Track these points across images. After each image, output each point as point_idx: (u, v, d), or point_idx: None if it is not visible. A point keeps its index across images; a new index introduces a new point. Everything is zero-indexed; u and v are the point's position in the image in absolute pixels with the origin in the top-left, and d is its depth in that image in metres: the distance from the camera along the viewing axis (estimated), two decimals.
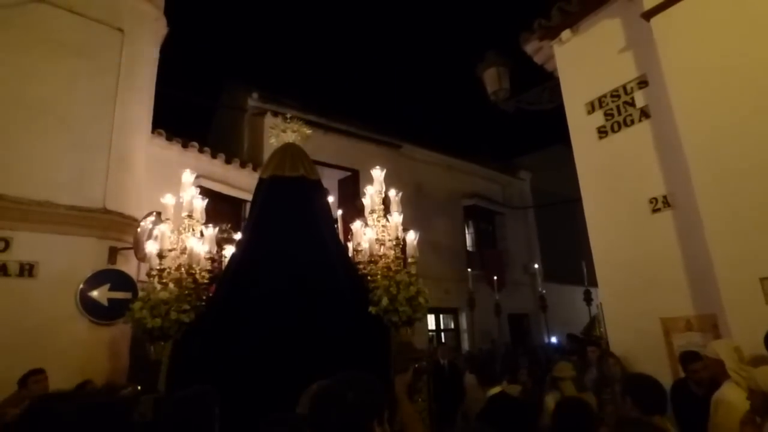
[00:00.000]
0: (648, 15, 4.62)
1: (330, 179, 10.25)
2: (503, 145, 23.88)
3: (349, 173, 11.41)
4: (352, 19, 29.44)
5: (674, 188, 4.65)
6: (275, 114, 9.63)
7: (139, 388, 4.54)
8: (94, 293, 6.12)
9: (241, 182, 9.16)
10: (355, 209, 6.92)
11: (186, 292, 4.07)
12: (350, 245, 4.69)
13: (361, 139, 11.89)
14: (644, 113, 5.02)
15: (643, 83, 5.06)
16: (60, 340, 5.64)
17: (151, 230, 6.25)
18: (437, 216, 12.83)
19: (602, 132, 5.35)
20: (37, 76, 6.28)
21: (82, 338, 5.93)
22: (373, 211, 4.52)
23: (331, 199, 5.17)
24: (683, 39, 4.40)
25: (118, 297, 6.20)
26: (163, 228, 4.21)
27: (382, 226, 4.41)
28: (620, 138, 5.20)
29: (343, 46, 29.94)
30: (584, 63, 5.64)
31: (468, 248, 14.26)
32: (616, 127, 5.24)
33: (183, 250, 4.29)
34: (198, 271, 4.23)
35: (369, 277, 4.15)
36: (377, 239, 4.33)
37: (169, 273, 4.11)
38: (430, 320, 12.42)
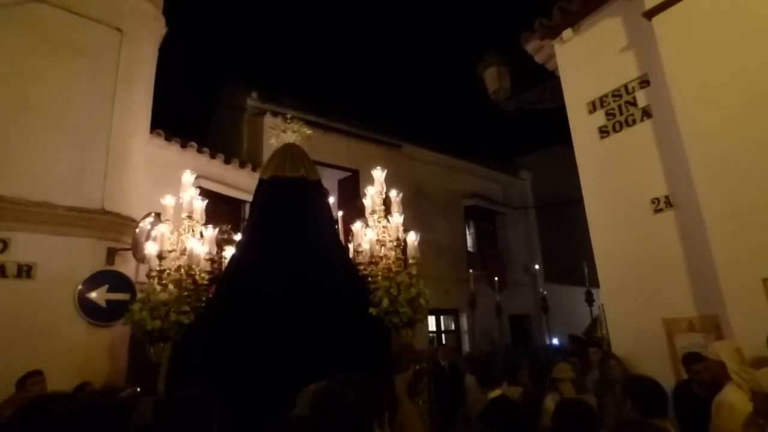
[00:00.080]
0: (649, 14, 4.63)
1: (329, 179, 10.26)
2: (504, 144, 23.89)
3: (348, 173, 11.42)
4: (351, 18, 29.47)
5: (676, 188, 4.65)
6: (274, 114, 9.64)
7: (138, 389, 4.54)
8: (93, 294, 6.12)
9: (240, 182, 9.16)
10: (355, 209, 6.93)
11: (186, 293, 4.08)
12: (351, 246, 4.70)
13: (361, 139, 11.90)
14: (646, 113, 5.03)
15: (644, 83, 5.07)
16: (58, 342, 5.64)
17: (149, 231, 6.25)
18: (437, 216, 12.84)
19: (604, 132, 5.35)
20: (35, 75, 6.28)
21: (81, 340, 5.93)
22: (373, 212, 4.53)
23: (331, 200, 5.18)
24: (685, 38, 4.41)
25: (117, 298, 6.20)
26: (163, 229, 4.21)
27: (383, 226, 4.42)
28: (622, 138, 5.20)
29: (343, 45, 29.98)
30: (585, 62, 5.64)
31: (468, 249, 14.27)
32: (617, 126, 5.24)
33: (183, 251, 4.30)
34: (198, 273, 4.24)
35: (369, 278, 4.16)
36: (378, 240, 4.34)
37: (168, 274, 4.12)
38: (431, 321, 12.42)
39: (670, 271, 4.60)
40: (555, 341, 12.59)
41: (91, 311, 6.07)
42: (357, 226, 4.54)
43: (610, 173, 5.26)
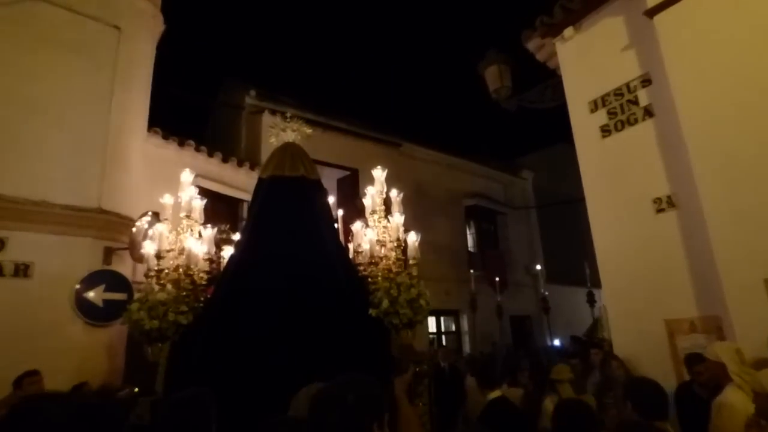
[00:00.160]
0: (651, 12, 4.64)
1: (329, 179, 10.25)
2: (505, 144, 23.93)
3: (348, 172, 11.43)
4: (351, 15, 29.46)
5: (678, 188, 4.66)
6: (273, 112, 9.65)
7: (135, 390, 4.55)
8: (90, 294, 6.14)
9: (238, 181, 9.18)
10: (354, 209, 6.94)
11: (184, 293, 4.09)
12: (351, 246, 4.70)
13: (361, 138, 11.91)
14: (648, 112, 5.04)
15: (646, 81, 5.08)
16: (56, 342, 5.65)
17: (146, 230, 6.27)
18: (438, 216, 12.85)
19: (605, 131, 5.36)
20: (33, 73, 6.29)
21: (78, 339, 5.95)
22: (374, 212, 4.53)
23: (330, 199, 5.18)
24: (686, 37, 4.42)
25: (114, 298, 6.22)
26: (161, 228, 4.22)
27: (383, 227, 4.42)
28: (624, 137, 5.21)
29: (342, 43, 29.97)
30: (587, 61, 5.65)
31: (469, 249, 14.28)
32: (619, 125, 5.25)
33: (181, 251, 4.30)
34: (196, 272, 4.25)
35: (369, 279, 4.17)
36: (378, 240, 4.34)
37: (167, 274, 4.13)
38: (431, 322, 12.43)
39: (672, 271, 4.61)
40: (556, 342, 12.61)
41: (88, 311, 6.09)
42: (357, 226, 4.55)
43: (611, 173, 5.27)
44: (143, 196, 6.90)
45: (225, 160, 9.15)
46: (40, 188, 6.01)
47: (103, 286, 6.25)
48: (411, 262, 4.25)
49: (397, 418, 2.64)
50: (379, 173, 4.66)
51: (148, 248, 4.21)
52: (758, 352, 3.28)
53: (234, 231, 6.77)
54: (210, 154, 8.89)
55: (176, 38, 9.10)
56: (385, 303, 3.83)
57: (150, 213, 6.44)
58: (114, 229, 6.59)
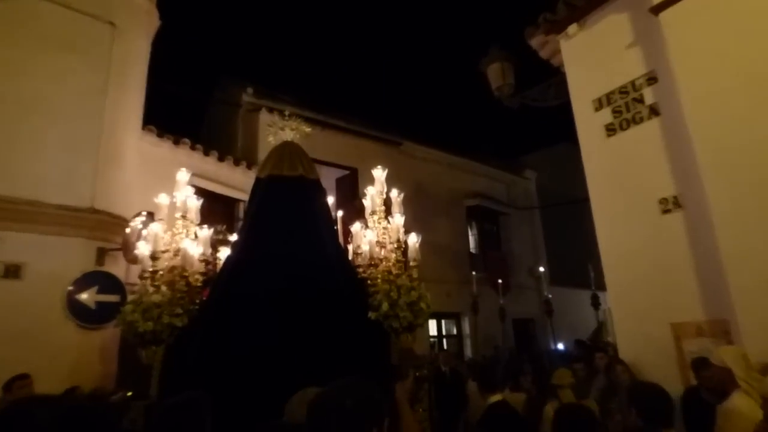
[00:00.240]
0: (656, 9, 4.64)
1: (327, 178, 10.26)
2: (508, 143, 23.92)
3: (347, 172, 11.43)
4: (350, 11, 29.47)
5: (685, 188, 4.67)
6: (270, 110, 9.66)
7: (129, 394, 4.55)
8: (82, 296, 6.14)
9: (234, 181, 9.18)
10: (353, 209, 6.94)
11: (179, 295, 4.09)
12: (350, 247, 4.71)
13: (360, 137, 11.91)
14: (654, 110, 5.04)
15: (652, 79, 5.08)
16: (47, 344, 5.65)
17: (140, 231, 6.26)
18: (439, 216, 12.85)
19: (610, 130, 5.37)
20: (25, 71, 6.29)
21: (70, 342, 5.94)
22: (373, 213, 4.53)
23: (330, 200, 5.19)
24: (693, 34, 4.42)
25: (107, 300, 6.23)
26: (156, 228, 4.22)
27: (383, 228, 4.42)
28: (629, 136, 5.21)
29: (342, 39, 30.00)
30: (591, 58, 5.66)
31: (471, 250, 14.28)
32: (624, 124, 5.26)
33: (176, 252, 4.30)
34: (191, 274, 4.25)
35: (369, 281, 4.17)
36: (378, 242, 4.34)
37: (161, 275, 4.13)
38: (432, 325, 12.43)
39: (678, 273, 4.61)
40: (560, 346, 12.59)
41: (80, 313, 6.08)
42: (356, 227, 4.55)
43: (616, 172, 5.27)
44: (137, 196, 6.90)
45: (221, 158, 9.15)
46: (32, 187, 6.01)
47: (96, 288, 6.25)
48: (411, 264, 4.25)
49: (398, 425, 2.64)
50: (379, 173, 4.66)
51: (143, 249, 4.21)
52: (766, 357, 3.29)
53: (231, 232, 6.77)
54: (206, 153, 8.89)
55: (172, 34, 9.11)
56: (385, 306, 3.84)
57: (144, 213, 6.44)
58: (107, 229, 6.59)
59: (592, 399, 4.57)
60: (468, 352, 12.61)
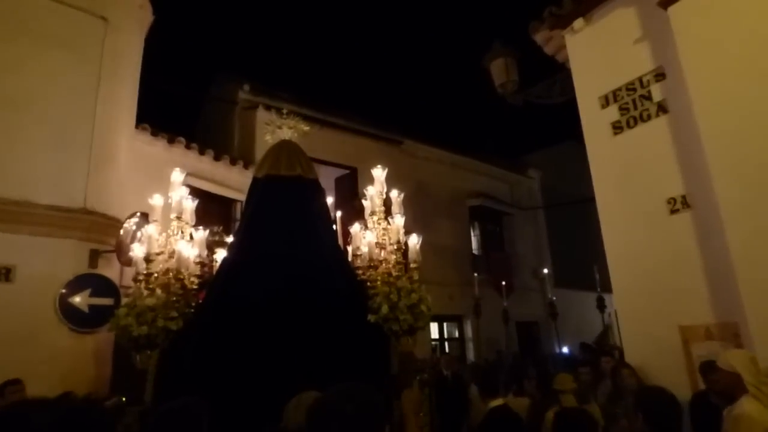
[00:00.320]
0: (665, 3, 4.65)
1: (326, 177, 10.27)
2: (511, 141, 23.93)
3: (346, 171, 11.44)
4: (350, 5, 29.47)
5: (694, 188, 4.67)
6: (268, 108, 9.66)
7: (123, 399, 4.56)
8: (75, 299, 6.13)
9: (231, 180, 9.18)
10: (353, 209, 6.95)
11: (174, 298, 4.10)
12: (349, 249, 4.71)
13: (360, 135, 11.91)
14: (662, 108, 5.04)
15: (660, 76, 5.08)
16: (39, 349, 5.64)
17: (134, 232, 6.27)
18: (441, 217, 12.86)
19: (617, 128, 5.37)
20: (14, 67, 6.29)
21: (63, 347, 5.94)
22: (373, 213, 4.54)
23: (329, 200, 5.19)
24: (702, 28, 4.43)
25: (100, 303, 6.22)
26: (151, 230, 4.22)
27: (383, 228, 4.43)
28: (636, 134, 5.22)
29: (341, 34, 29.97)
30: (598, 54, 5.66)
31: (473, 251, 14.29)
32: (631, 122, 5.26)
33: (171, 254, 4.31)
34: (187, 276, 4.25)
35: (368, 283, 4.17)
36: (377, 243, 4.35)
37: (156, 278, 4.13)
38: (433, 328, 12.43)
39: (686, 275, 4.61)
40: (565, 349, 12.60)
41: (73, 316, 6.08)
42: (355, 228, 4.56)
43: (623, 171, 5.27)
44: (131, 196, 6.90)
45: (217, 158, 9.16)
46: (22, 187, 6.00)
47: (89, 291, 6.24)
48: (412, 265, 4.26)
49: None
50: (379, 172, 4.67)
51: (137, 251, 4.22)
52: None
53: (227, 233, 6.78)
54: (201, 152, 8.90)
55: (166, 30, 9.11)
56: (385, 308, 3.84)
57: (138, 214, 6.44)
58: (100, 230, 6.59)
59: (594, 404, 4.58)
60: (470, 355, 12.62)
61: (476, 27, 26.98)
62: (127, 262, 5.92)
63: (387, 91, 27.49)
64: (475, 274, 11.70)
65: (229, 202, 9.33)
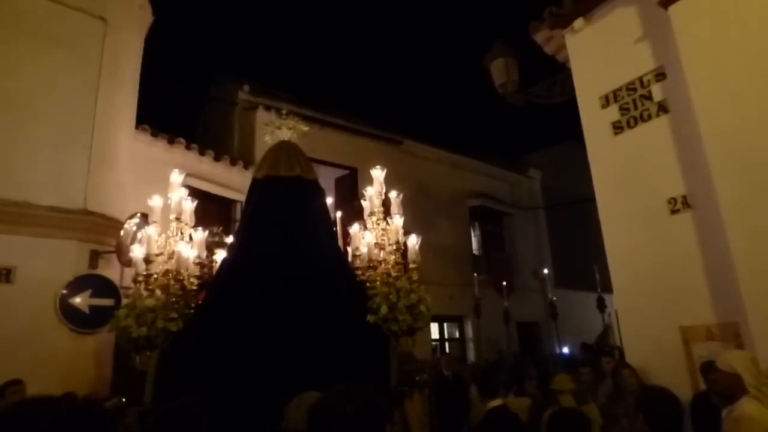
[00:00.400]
0: (666, 3, 4.64)
1: (326, 178, 10.27)
2: (511, 141, 23.91)
3: (346, 171, 11.44)
4: (350, 5, 29.48)
5: (694, 188, 4.66)
6: (267, 108, 9.66)
7: (123, 400, 4.56)
8: (75, 300, 6.14)
9: (231, 181, 9.19)
10: (353, 210, 6.95)
11: (173, 299, 4.10)
12: (349, 249, 4.72)
13: (360, 135, 11.92)
14: (662, 108, 5.04)
15: (660, 75, 5.08)
16: (39, 350, 5.65)
17: (135, 233, 6.27)
18: (441, 217, 12.86)
19: (617, 127, 5.37)
20: (13, 68, 6.29)
21: (63, 347, 5.95)
22: (372, 214, 4.54)
23: (328, 200, 5.19)
24: (703, 28, 4.42)
25: (100, 304, 6.22)
26: (150, 231, 4.23)
27: (382, 229, 4.43)
28: (637, 134, 5.21)
29: (341, 35, 29.98)
30: (598, 54, 5.65)
31: (474, 251, 14.29)
32: (632, 122, 5.26)
33: (171, 255, 4.31)
34: (186, 277, 4.25)
35: (368, 284, 4.17)
36: (377, 243, 4.35)
37: (155, 279, 4.13)
38: (434, 329, 12.43)
39: (687, 275, 4.61)
40: (565, 350, 12.60)
41: (73, 317, 6.09)
42: (355, 229, 4.56)
43: (624, 171, 5.27)
44: (131, 197, 6.91)
45: (217, 158, 9.16)
46: (22, 188, 6.00)
47: (89, 292, 6.25)
48: (411, 266, 4.26)
49: None
50: (378, 173, 4.67)
51: (137, 252, 4.22)
52: None
53: (227, 233, 6.77)
54: (201, 153, 8.91)
55: (165, 30, 9.11)
56: (384, 309, 3.85)
57: (138, 215, 6.45)
58: (100, 231, 6.59)
59: (592, 404, 4.58)
60: (471, 356, 12.62)
61: (476, 27, 26.99)
62: (127, 262, 5.92)
63: (387, 91, 27.49)
64: (475, 274, 11.71)
65: (229, 203, 9.34)
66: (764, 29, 4.09)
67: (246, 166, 9.38)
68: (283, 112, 5.16)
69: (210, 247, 5.04)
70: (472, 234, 14.56)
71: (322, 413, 1.66)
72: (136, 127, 7.83)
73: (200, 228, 4.67)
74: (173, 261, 4.28)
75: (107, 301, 6.23)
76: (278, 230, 4.31)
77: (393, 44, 31.40)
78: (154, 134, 8.19)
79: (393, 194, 4.54)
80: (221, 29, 26.45)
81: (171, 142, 8.44)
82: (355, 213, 5.65)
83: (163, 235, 4.40)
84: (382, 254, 4.32)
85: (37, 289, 5.89)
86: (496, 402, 3.64)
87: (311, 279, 4.09)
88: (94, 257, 6.51)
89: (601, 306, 9.94)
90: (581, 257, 11.70)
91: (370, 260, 4.29)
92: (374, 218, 4.52)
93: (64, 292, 6.08)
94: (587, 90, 5.71)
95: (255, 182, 4.74)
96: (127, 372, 4.51)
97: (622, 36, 5.40)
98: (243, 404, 3.43)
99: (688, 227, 4.70)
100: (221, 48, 24.86)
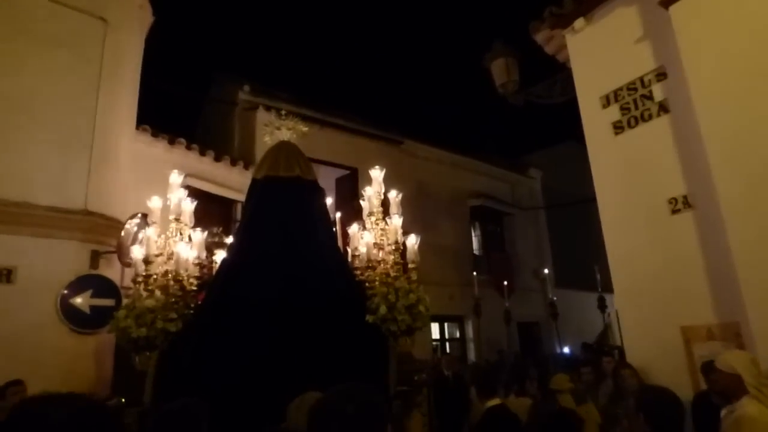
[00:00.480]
0: (666, 3, 4.63)
1: (327, 178, 10.27)
2: (512, 141, 23.92)
3: (347, 171, 11.43)
4: (350, 5, 29.48)
5: (695, 188, 4.66)
6: (268, 108, 9.66)
7: (123, 400, 4.56)
8: (76, 300, 6.14)
9: (231, 181, 9.19)
10: (353, 210, 6.94)
11: (173, 299, 4.10)
12: (348, 249, 4.71)
13: (360, 135, 11.91)
14: (663, 107, 5.03)
15: (661, 75, 5.07)
16: (40, 350, 5.65)
17: (136, 233, 6.27)
18: (441, 217, 12.85)
19: (618, 127, 5.36)
20: (14, 68, 6.29)
21: (64, 348, 5.94)
22: (371, 214, 4.54)
23: (328, 200, 5.19)
24: (704, 27, 4.41)
25: (101, 304, 6.22)
26: (150, 232, 4.23)
27: (381, 229, 4.43)
28: (637, 134, 5.21)
29: (341, 35, 30.00)
30: (599, 53, 5.65)
31: (474, 251, 14.28)
32: (632, 122, 5.25)
33: (170, 256, 4.31)
34: (186, 278, 4.25)
35: (367, 284, 4.17)
36: (375, 243, 4.34)
37: (155, 279, 4.13)
38: (434, 329, 12.43)
39: (688, 275, 4.61)
40: (566, 350, 12.60)
41: (74, 317, 6.08)
42: (354, 229, 4.56)
43: (624, 171, 5.27)
44: (131, 197, 6.91)
45: (218, 158, 9.17)
46: (22, 188, 6.00)
47: (90, 292, 6.24)
48: (410, 266, 4.25)
49: None
50: (377, 173, 4.67)
51: (136, 253, 4.22)
52: None
53: (227, 234, 6.77)
54: (202, 153, 8.91)
55: (166, 30, 9.12)
56: (383, 309, 3.84)
57: (139, 215, 6.45)
58: (101, 231, 6.59)
59: (591, 403, 4.59)
60: (471, 356, 12.61)
61: (477, 27, 26.98)
62: (128, 263, 5.92)
63: (387, 92, 27.48)
64: (474, 274, 11.69)
65: (229, 203, 9.34)
66: (765, 29, 4.08)
67: (246, 167, 9.38)
68: (283, 112, 5.16)
69: (210, 248, 5.04)
70: (473, 234, 14.55)
71: (323, 413, 1.65)
72: (137, 128, 7.83)
73: (199, 229, 4.67)
74: (172, 262, 4.28)
75: (108, 302, 6.23)
76: (278, 231, 4.31)
77: (393, 44, 31.39)
78: (154, 134, 8.19)
79: (392, 194, 4.54)
80: (221, 29, 26.46)
81: (171, 142, 8.44)
82: (355, 213, 5.65)
83: (163, 236, 4.39)
84: (381, 254, 4.31)
85: (38, 289, 5.89)
86: (494, 401, 3.64)
87: (310, 279, 4.09)
88: (95, 257, 6.51)
89: (602, 306, 9.94)
90: (582, 257, 11.70)
91: (368, 260, 4.29)
92: (373, 218, 4.51)
93: (65, 292, 6.08)
94: (588, 90, 5.70)
95: (254, 183, 4.74)
96: (127, 372, 4.51)
97: (623, 36, 5.39)
98: (242, 405, 3.43)
99: (688, 227, 4.69)
100: (221, 48, 24.88)
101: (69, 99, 6.65)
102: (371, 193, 4.60)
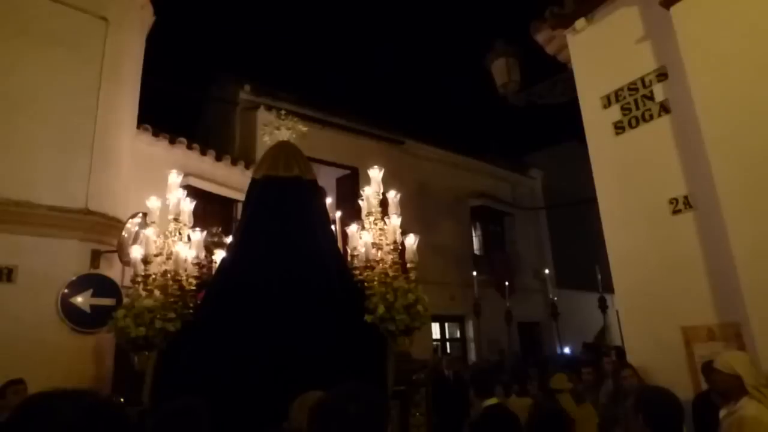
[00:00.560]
0: (667, 3, 4.63)
1: (327, 177, 10.27)
2: (513, 141, 23.84)
3: (347, 171, 11.43)
4: (351, 5, 29.47)
5: (696, 188, 4.66)
6: (269, 108, 9.66)
7: (122, 400, 4.56)
8: (77, 299, 6.14)
9: (232, 181, 9.19)
10: (354, 210, 6.94)
11: (172, 299, 4.10)
12: (348, 249, 4.72)
13: (361, 135, 11.91)
14: (664, 108, 5.03)
15: (662, 76, 5.07)
16: (41, 349, 5.65)
17: (136, 232, 6.27)
18: (442, 217, 12.85)
19: (619, 128, 5.36)
20: (15, 67, 6.29)
21: (64, 347, 5.95)
22: (369, 214, 4.53)
23: (329, 200, 5.19)
24: (705, 28, 4.41)
25: (102, 303, 6.22)
26: (149, 232, 4.23)
27: (380, 229, 4.43)
28: (638, 134, 5.21)
29: (342, 34, 29.99)
30: (600, 54, 5.65)
31: (475, 251, 14.27)
32: (633, 122, 5.25)
33: (169, 255, 4.31)
34: (185, 278, 4.25)
35: (365, 284, 4.17)
36: (374, 243, 4.34)
37: (154, 279, 4.13)
38: (435, 329, 12.43)
39: (688, 275, 4.60)
40: (566, 350, 12.59)
41: (74, 317, 6.09)
42: (352, 229, 4.56)
43: (625, 172, 5.27)
44: (132, 197, 6.90)
45: (218, 158, 9.17)
46: (23, 188, 6.00)
47: (90, 291, 6.25)
48: (409, 265, 4.25)
49: None
50: (376, 173, 4.67)
51: (135, 253, 4.23)
52: None
53: (227, 233, 6.77)
54: (203, 153, 8.91)
55: (167, 29, 9.11)
56: (381, 309, 3.84)
57: (140, 214, 6.44)
58: (101, 231, 6.59)
59: (588, 403, 4.59)
60: (472, 356, 12.61)
61: (478, 27, 26.96)
62: (128, 262, 5.92)
63: (388, 91, 27.46)
64: (475, 274, 11.67)
65: (230, 203, 9.34)
66: (765, 29, 4.08)
67: (247, 166, 9.38)
68: (282, 112, 5.16)
69: (209, 247, 5.04)
70: (474, 234, 14.54)
71: (323, 413, 1.65)
72: (138, 127, 7.83)
73: (198, 228, 4.67)
74: (171, 261, 4.28)
75: (108, 301, 6.23)
76: (277, 230, 4.31)
77: (394, 44, 31.37)
78: (155, 134, 8.20)
79: (391, 194, 4.53)
80: (222, 29, 26.46)
81: (172, 142, 8.44)
82: (356, 213, 5.65)
83: (162, 236, 4.40)
84: (379, 254, 4.31)
85: (39, 288, 5.89)
86: (491, 401, 3.64)
87: (309, 279, 4.09)
88: (96, 257, 6.51)
89: (603, 306, 9.93)
90: (582, 257, 11.68)
91: (367, 260, 4.29)
92: (372, 218, 4.51)
93: (66, 291, 6.09)
94: (589, 90, 5.70)
95: (254, 183, 4.75)
96: (127, 372, 4.52)
97: (624, 36, 5.39)
98: (241, 404, 3.43)
99: (689, 227, 4.69)
100: (222, 48, 24.87)
101: (70, 98, 6.65)
102: (370, 193, 4.60)
